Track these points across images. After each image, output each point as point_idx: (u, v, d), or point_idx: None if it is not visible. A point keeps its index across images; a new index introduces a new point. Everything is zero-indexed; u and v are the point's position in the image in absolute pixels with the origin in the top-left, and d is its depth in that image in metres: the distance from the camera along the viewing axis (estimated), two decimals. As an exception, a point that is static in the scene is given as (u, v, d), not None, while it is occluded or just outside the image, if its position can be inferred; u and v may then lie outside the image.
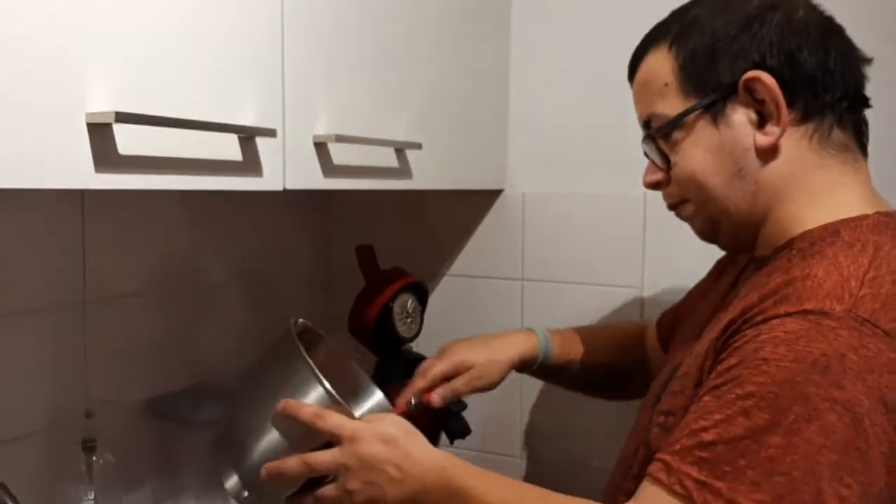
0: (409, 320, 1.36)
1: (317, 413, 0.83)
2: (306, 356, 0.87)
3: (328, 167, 0.97)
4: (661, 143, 0.84)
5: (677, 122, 0.81)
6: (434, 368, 1.09)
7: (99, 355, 1.14)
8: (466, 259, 1.50)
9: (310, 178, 0.95)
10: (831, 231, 0.76)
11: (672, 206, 0.88)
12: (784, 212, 0.79)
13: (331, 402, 0.84)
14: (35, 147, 0.65)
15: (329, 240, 1.60)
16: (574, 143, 1.40)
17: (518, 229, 1.45)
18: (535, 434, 1.46)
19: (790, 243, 0.78)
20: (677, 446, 0.68)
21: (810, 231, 0.77)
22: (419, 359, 1.39)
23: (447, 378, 1.08)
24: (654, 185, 0.88)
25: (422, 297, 1.38)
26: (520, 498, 0.79)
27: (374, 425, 0.82)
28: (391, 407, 1.04)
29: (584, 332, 1.18)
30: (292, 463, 0.82)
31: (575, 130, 1.40)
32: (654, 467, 0.70)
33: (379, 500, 0.81)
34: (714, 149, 0.80)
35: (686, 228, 1.32)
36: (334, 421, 0.82)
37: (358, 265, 1.35)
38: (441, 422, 1.30)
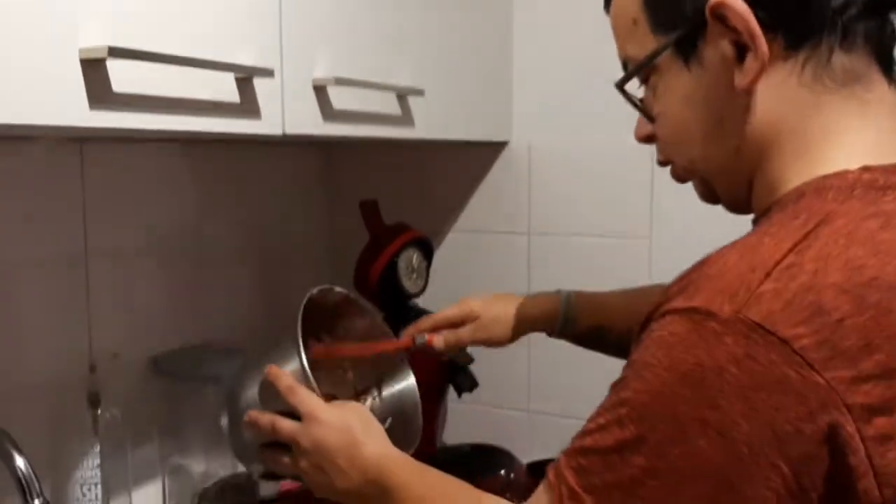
0: (414, 275, 1.35)
1: (290, 387, 0.86)
2: (299, 325, 0.90)
3: (328, 112, 0.95)
4: (645, 91, 0.73)
5: (646, 65, 0.69)
6: (442, 311, 1.09)
7: (103, 310, 1.13)
8: (472, 214, 1.49)
9: (309, 122, 0.93)
10: (796, 195, 0.62)
11: (663, 164, 0.76)
12: (770, 169, 0.65)
13: (304, 379, 0.87)
14: (28, 82, 0.64)
15: (332, 196, 1.59)
16: (580, 92, 1.38)
17: (524, 182, 1.43)
18: (543, 389, 1.45)
19: (769, 209, 0.65)
20: (569, 446, 0.63)
21: (787, 193, 0.63)
22: (424, 313, 1.38)
23: (454, 325, 1.07)
24: (645, 140, 0.76)
25: (427, 252, 1.37)
26: (439, 496, 0.80)
27: (337, 412, 0.84)
28: (418, 397, 1.04)
29: (621, 295, 1.10)
30: (265, 420, 0.86)
31: (581, 80, 1.37)
32: (551, 465, 0.65)
33: (326, 486, 0.84)
34: (689, 96, 0.67)
35: (695, 179, 1.32)
36: (301, 399, 0.85)
37: (362, 220, 1.34)
38: (449, 376, 1.30)
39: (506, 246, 1.46)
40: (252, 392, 0.91)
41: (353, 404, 0.88)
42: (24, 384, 1.03)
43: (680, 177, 0.75)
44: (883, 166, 0.61)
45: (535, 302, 1.10)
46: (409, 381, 1.04)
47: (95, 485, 1.03)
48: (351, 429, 0.83)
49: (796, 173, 0.63)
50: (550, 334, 1.10)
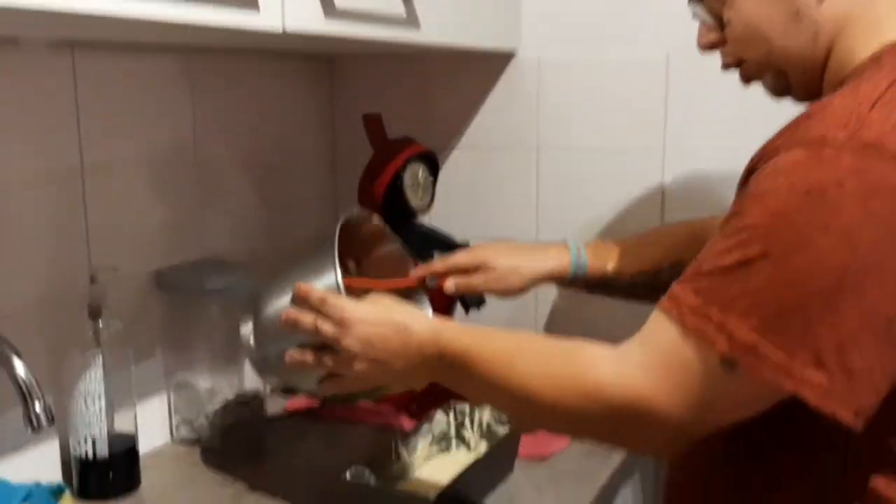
0: (420, 191, 1.32)
1: (322, 298, 0.85)
2: (335, 243, 0.90)
3: (330, 9, 0.91)
4: (711, 1, 0.79)
5: None
6: (456, 256, 1.10)
7: (101, 224, 1.11)
8: (479, 128, 1.44)
9: (310, 19, 0.89)
10: (874, 59, 0.69)
11: (728, 66, 0.82)
12: (842, 48, 0.73)
13: (337, 284, 0.88)
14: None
15: (335, 110, 1.55)
16: (592, 2, 1.32)
17: (532, 96, 1.39)
18: (549, 308, 1.43)
19: (842, 82, 0.71)
20: (683, 276, 0.68)
21: (861, 63, 0.71)
22: (431, 232, 1.36)
23: (466, 271, 1.08)
24: (709, 46, 0.82)
25: (433, 167, 1.34)
26: (516, 349, 0.78)
27: (372, 307, 0.84)
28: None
29: (627, 241, 1.12)
30: (308, 319, 0.85)
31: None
32: (664, 297, 0.69)
33: (385, 377, 0.85)
34: None
35: (710, 93, 1.28)
36: (334, 304, 0.84)
37: (366, 135, 1.30)
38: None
39: (514, 161, 1.42)
40: (280, 306, 0.89)
41: (381, 297, 0.88)
42: (23, 298, 1.02)
43: (751, 76, 0.80)
44: None
45: (546, 254, 1.11)
46: (426, 312, 1.04)
47: (99, 397, 1.02)
48: (392, 316, 0.83)
49: (865, 46, 0.70)
50: (562, 283, 1.12)
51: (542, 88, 1.38)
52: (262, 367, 0.96)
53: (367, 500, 0.95)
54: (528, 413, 0.77)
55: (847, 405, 0.61)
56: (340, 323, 0.83)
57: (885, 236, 0.59)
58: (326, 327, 0.84)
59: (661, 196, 1.33)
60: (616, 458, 1.12)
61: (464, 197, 1.46)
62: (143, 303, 1.17)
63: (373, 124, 1.30)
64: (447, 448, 1.14)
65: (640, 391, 0.68)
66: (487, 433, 1.12)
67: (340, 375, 0.86)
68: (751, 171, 0.68)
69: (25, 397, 0.77)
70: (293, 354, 0.87)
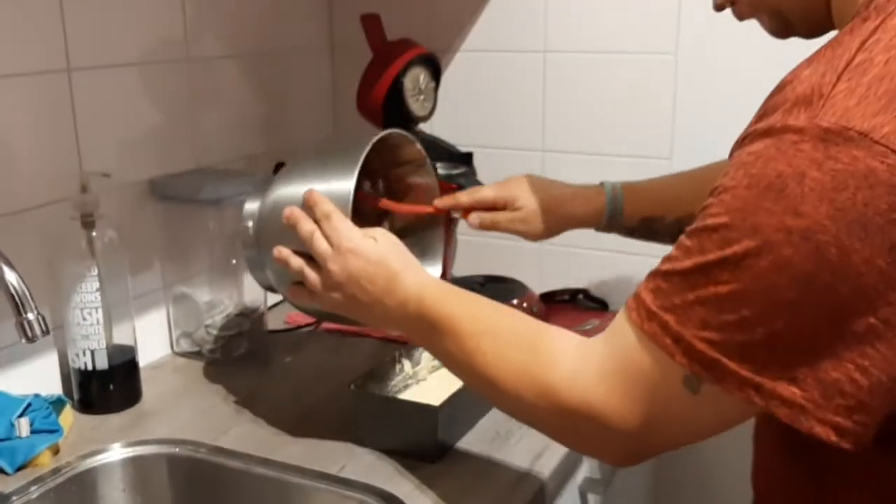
0: (421, 97, 1.27)
1: (327, 213, 0.82)
2: (361, 158, 0.87)
3: None
4: None
5: None
6: (483, 190, 1.05)
7: (90, 130, 1.06)
8: (482, 30, 1.38)
9: None
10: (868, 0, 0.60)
11: (720, 7, 0.75)
12: None
13: (346, 206, 0.84)
14: None
15: (332, 10, 1.48)
16: None
17: (539, -5, 1.32)
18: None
19: (858, 11, 0.61)
20: (651, 271, 0.62)
21: (863, 2, 0.60)
22: (433, 141, 1.31)
23: (493, 207, 1.04)
24: None
25: (434, 71, 1.28)
26: (490, 329, 0.73)
27: (371, 243, 0.81)
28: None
29: (671, 179, 1.06)
30: (307, 227, 0.83)
31: None
32: (631, 295, 0.63)
33: (360, 314, 0.83)
34: None
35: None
36: (335, 225, 0.81)
37: (365, 37, 1.25)
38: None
39: (519, 65, 1.36)
40: (289, 199, 0.87)
41: (385, 234, 0.83)
42: (13, 206, 0.98)
43: (745, 14, 0.73)
44: None
45: (579, 198, 1.06)
46: (433, 269, 1.02)
47: (96, 309, 0.99)
48: (386, 259, 0.80)
49: None
50: (597, 229, 1.07)
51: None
52: (250, 254, 0.94)
53: (371, 410, 0.94)
54: (490, 396, 0.74)
55: (824, 422, 0.54)
56: (336, 246, 0.80)
57: (857, 234, 0.51)
58: (320, 244, 0.81)
59: (671, 102, 1.28)
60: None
61: (467, 103, 1.41)
62: (138, 213, 1.14)
63: (371, 25, 1.24)
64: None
65: (591, 398, 0.63)
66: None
67: (312, 292, 0.84)
68: (731, 154, 0.60)
69: (18, 307, 0.75)
70: (281, 251, 0.85)
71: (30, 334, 0.75)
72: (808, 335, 0.54)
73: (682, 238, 0.59)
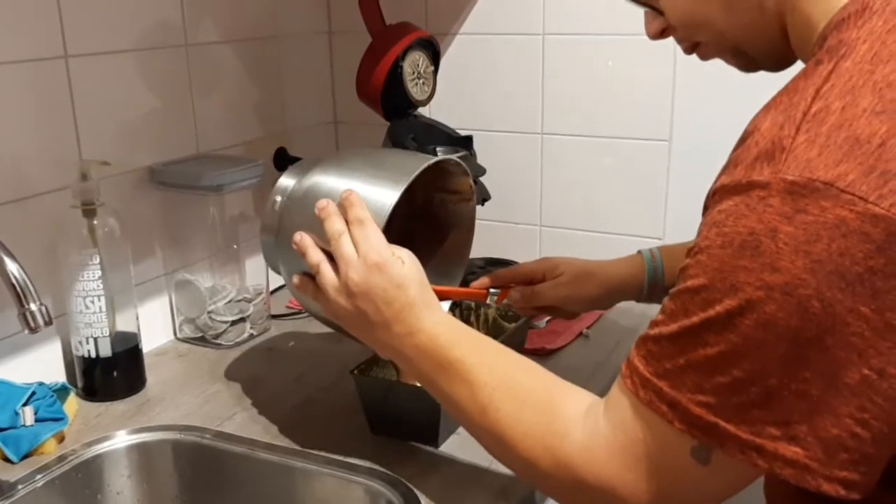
0: (420, 81, 1.27)
1: (361, 219, 0.77)
2: (413, 175, 0.83)
3: None
4: None
5: None
6: (522, 265, 1.04)
7: (89, 118, 1.06)
8: (481, 14, 1.37)
9: None
10: (822, 39, 0.59)
11: (689, 52, 0.74)
12: (798, 13, 0.62)
13: (382, 219, 0.80)
14: None
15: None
16: None
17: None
18: (554, 203, 1.40)
19: (812, 53, 0.60)
20: (638, 338, 0.61)
21: (815, 41, 0.60)
22: (432, 123, 1.31)
23: (531, 281, 1.02)
24: (659, 35, 0.74)
25: (434, 55, 1.28)
26: (503, 384, 0.70)
27: (398, 266, 0.76)
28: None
29: None
30: (336, 226, 0.78)
31: None
32: (625, 360, 0.63)
33: (360, 330, 0.78)
34: None
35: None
36: (367, 234, 0.77)
37: (363, 21, 1.24)
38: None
39: (518, 48, 1.36)
40: (326, 190, 0.84)
41: (412, 259, 0.78)
42: (13, 195, 0.98)
43: (709, 56, 0.73)
44: None
45: (618, 262, 1.03)
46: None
47: (99, 297, 1.00)
48: (408, 286, 0.75)
49: (822, 12, 0.60)
50: (639, 300, 1.03)
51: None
52: (268, 230, 0.90)
53: (374, 395, 0.95)
54: (498, 454, 0.71)
55: (831, 479, 0.53)
56: (362, 255, 0.76)
57: (837, 284, 0.50)
58: (347, 248, 0.77)
59: (671, 84, 1.27)
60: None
61: (466, 87, 1.40)
62: (139, 200, 1.14)
63: (369, 9, 1.24)
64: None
65: (605, 476, 0.62)
66: (493, 328, 1.11)
67: (319, 289, 0.80)
68: (705, 208, 0.59)
69: (20, 297, 0.75)
70: (303, 238, 0.80)
71: (32, 325, 0.75)
72: (802, 391, 0.53)
73: (666, 301, 0.59)
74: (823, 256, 0.50)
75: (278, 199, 0.90)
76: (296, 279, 0.83)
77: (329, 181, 0.85)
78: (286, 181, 0.91)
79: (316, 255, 0.79)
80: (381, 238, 0.77)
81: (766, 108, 0.57)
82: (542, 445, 0.65)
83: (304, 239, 0.80)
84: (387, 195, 0.82)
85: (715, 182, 0.57)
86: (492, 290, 1.01)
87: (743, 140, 0.57)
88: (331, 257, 0.78)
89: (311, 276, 0.81)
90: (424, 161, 0.86)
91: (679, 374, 0.56)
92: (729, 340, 0.54)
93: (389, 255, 0.76)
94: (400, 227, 0.96)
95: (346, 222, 0.78)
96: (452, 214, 1.00)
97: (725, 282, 0.53)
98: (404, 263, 0.76)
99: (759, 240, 0.52)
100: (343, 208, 0.79)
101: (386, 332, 0.76)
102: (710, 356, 0.55)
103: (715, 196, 0.56)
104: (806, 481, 0.54)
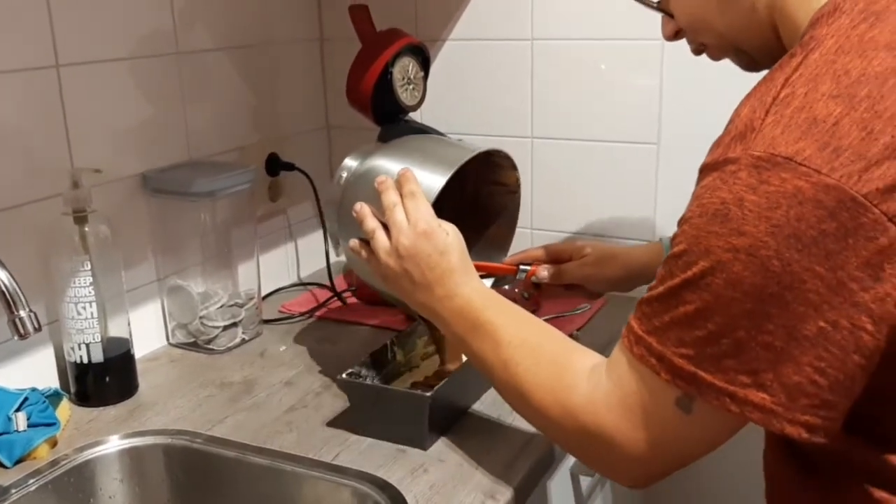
0: (410, 87, 1.27)
1: (414, 192, 0.88)
2: (461, 162, 0.96)
3: None
4: None
5: None
6: (553, 244, 1.13)
7: (81, 126, 1.07)
8: (470, 20, 1.38)
9: None
10: (803, 35, 0.65)
11: (698, 52, 0.81)
12: (784, 17, 0.69)
13: (432, 196, 0.92)
14: None
15: (320, 1, 1.49)
16: None
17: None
18: (544, 206, 1.41)
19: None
20: (637, 301, 0.68)
21: (801, 34, 0.66)
22: (424, 129, 1.32)
23: (559, 260, 1.10)
24: (673, 37, 0.81)
25: (423, 61, 1.28)
26: (524, 343, 0.78)
27: (442, 236, 0.85)
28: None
29: None
30: (392, 196, 0.88)
31: None
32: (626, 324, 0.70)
33: (403, 291, 0.87)
34: None
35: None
36: (418, 205, 0.87)
37: (353, 28, 1.25)
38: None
39: (507, 54, 1.37)
40: (386, 169, 0.96)
41: (456, 233, 0.88)
42: (4, 202, 0.99)
43: (716, 56, 0.80)
44: None
45: (641, 247, 1.11)
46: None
47: (90, 303, 1.00)
48: (451, 254, 0.85)
49: (805, 13, 0.66)
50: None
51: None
52: (332, 200, 1.02)
53: (363, 399, 0.96)
54: (517, 405, 0.79)
55: (794, 422, 0.59)
56: (412, 223, 0.86)
57: (794, 246, 0.56)
58: (399, 216, 0.86)
59: (658, 87, 1.28)
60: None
61: (456, 92, 1.41)
62: (131, 207, 1.15)
63: (359, 15, 1.24)
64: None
65: (603, 425, 0.69)
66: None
67: (372, 252, 0.89)
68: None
69: (9, 304, 0.76)
70: (363, 207, 0.90)
71: (22, 331, 0.76)
72: (767, 343, 0.59)
73: (659, 267, 0.65)
74: (783, 221, 0.56)
75: (343, 174, 1.03)
76: (353, 242, 0.93)
77: (388, 163, 0.99)
78: (351, 161, 1.04)
79: (372, 223, 0.89)
80: (430, 210, 0.87)
81: (747, 96, 0.63)
82: (553, 396, 0.73)
83: (363, 208, 0.90)
84: (437, 177, 0.95)
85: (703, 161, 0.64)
86: (521, 267, 1.08)
87: (727, 125, 0.63)
88: (385, 228, 0.88)
89: (366, 241, 0.90)
90: (475, 150, 0.99)
91: (665, 330, 0.63)
92: (703, 298, 0.60)
93: (436, 225, 0.86)
94: (451, 215, 1.04)
95: (401, 195, 0.88)
96: (499, 206, 1.12)
97: (700, 246, 0.60)
98: (448, 234, 0.86)
99: (729, 208, 0.59)
100: (399, 183, 0.89)
101: (427, 293, 0.85)
102: (688, 313, 0.61)
103: (700, 174, 0.63)
104: (772, 424, 0.60)
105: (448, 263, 0.84)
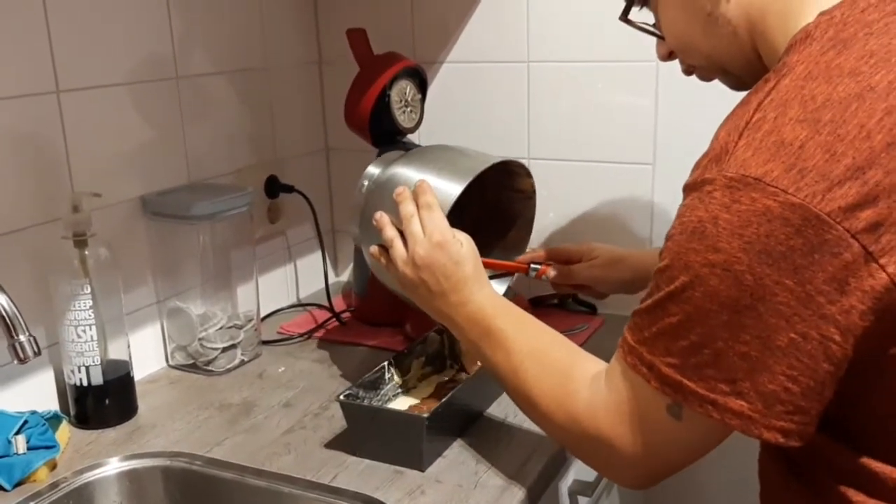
0: (408, 109, 1.29)
1: (430, 203, 0.91)
2: (475, 173, 1.00)
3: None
4: (650, 11, 0.81)
5: None
6: (564, 245, 1.17)
7: (82, 151, 1.08)
8: (466, 43, 1.40)
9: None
10: (780, 60, 0.68)
11: (688, 73, 0.84)
12: (764, 41, 0.72)
13: (448, 205, 0.97)
14: None
15: (318, 25, 1.50)
16: None
17: (522, 5, 1.34)
18: (543, 226, 1.42)
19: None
20: (631, 312, 0.71)
21: (778, 58, 0.69)
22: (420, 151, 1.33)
23: (569, 260, 1.14)
24: (668, 57, 0.84)
25: (421, 83, 1.30)
26: (533, 351, 0.82)
27: (456, 248, 0.89)
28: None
29: None
30: (409, 207, 0.92)
31: None
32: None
33: (421, 299, 0.91)
34: (678, 3, 0.77)
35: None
36: (433, 216, 0.91)
37: (351, 51, 1.26)
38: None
39: (503, 75, 1.38)
40: (406, 179, 1.00)
41: (470, 242, 0.92)
42: (4, 227, 1.00)
43: (706, 77, 0.83)
44: (840, 3, 0.66)
45: (649, 255, 1.12)
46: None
47: (90, 326, 1.01)
48: (465, 264, 0.89)
49: (782, 39, 0.69)
50: None
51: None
52: (356, 206, 1.06)
53: (360, 421, 0.96)
54: (526, 411, 0.84)
55: (770, 428, 0.63)
56: (428, 234, 0.90)
57: (765, 261, 0.60)
58: (415, 226, 0.91)
59: (654, 108, 1.30)
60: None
61: (453, 114, 1.42)
62: (131, 230, 1.16)
63: (357, 39, 1.26)
64: (440, 368, 1.14)
65: (603, 430, 0.73)
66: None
67: (391, 260, 0.93)
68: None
69: (9, 329, 0.77)
70: (383, 216, 0.94)
71: (21, 356, 0.77)
72: (744, 353, 0.62)
73: (650, 281, 0.69)
74: (754, 238, 0.60)
75: (365, 183, 1.08)
76: (374, 249, 0.97)
77: (408, 171, 1.02)
78: (373, 169, 1.09)
79: (391, 232, 0.93)
80: (445, 221, 0.91)
81: (726, 119, 0.67)
82: (557, 402, 0.78)
83: (382, 217, 0.94)
84: (453, 187, 0.99)
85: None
86: (532, 265, 1.12)
87: (708, 147, 0.67)
88: (403, 236, 0.92)
89: (386, 248, 0.94)
90: (490, 161, 1.04)
91: (654, 340, 0.67)
92: (685, 310, 0.64)
93: (451, 236, 0.90)
94: (472, 221, 1.10)
95: (417, 206, 0.92)
96: (516, 212, 1.17)
97: (681, 261, 0.64)
98: (462, 245, 0.90)
99: (705, 226, 0.62)
100: (416, 194, 0.93)
101: (443, 300, 0.89)
102: (672, 324, 0.65)
103: (683, 194, 0.66)
104: (750, 430, 0.63)
105: (462, 272, 0.88)
